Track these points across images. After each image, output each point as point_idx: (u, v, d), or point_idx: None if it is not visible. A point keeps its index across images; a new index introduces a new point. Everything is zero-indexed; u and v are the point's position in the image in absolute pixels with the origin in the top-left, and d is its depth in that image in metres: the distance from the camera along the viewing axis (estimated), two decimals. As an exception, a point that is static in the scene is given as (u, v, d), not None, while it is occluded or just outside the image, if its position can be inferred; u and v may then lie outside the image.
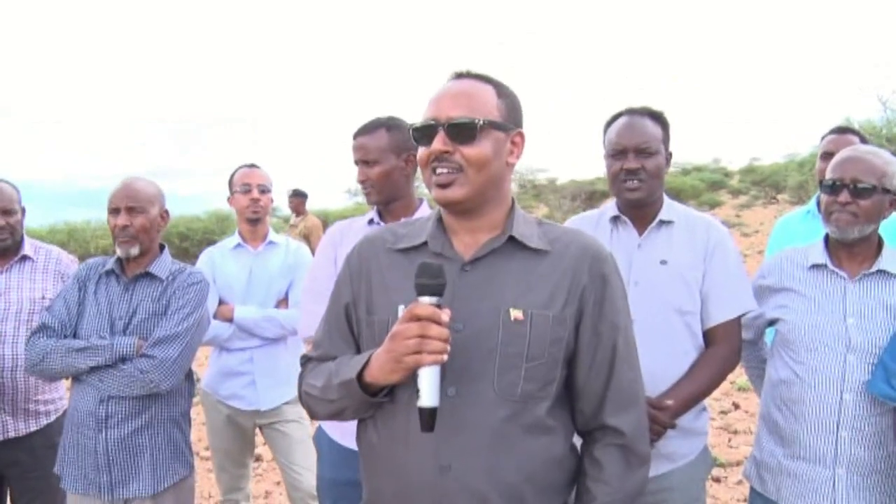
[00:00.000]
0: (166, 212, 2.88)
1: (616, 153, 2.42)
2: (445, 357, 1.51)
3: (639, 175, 2.38)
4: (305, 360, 1.86)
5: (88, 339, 2.68)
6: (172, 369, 2.68)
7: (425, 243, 1.73)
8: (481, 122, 1.63)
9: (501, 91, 1.71)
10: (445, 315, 1.51)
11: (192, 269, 2.92)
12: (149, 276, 2.81)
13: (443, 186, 1.65)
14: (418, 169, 2.74)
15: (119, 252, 2.78)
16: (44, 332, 2.72)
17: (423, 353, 1.49)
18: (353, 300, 1.78)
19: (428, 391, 1.52)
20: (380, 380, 1.59)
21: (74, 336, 2.73)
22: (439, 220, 1.76)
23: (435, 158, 1.65)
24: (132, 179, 2.85)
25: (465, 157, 1.63)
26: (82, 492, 2.72)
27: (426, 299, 1.52)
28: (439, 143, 1.63)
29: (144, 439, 2.71)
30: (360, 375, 1.63)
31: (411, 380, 1.56)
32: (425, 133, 1.66)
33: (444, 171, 1.64)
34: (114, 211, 2.78)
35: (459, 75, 1.72)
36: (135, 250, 2.77)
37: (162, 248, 2.88)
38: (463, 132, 1.63)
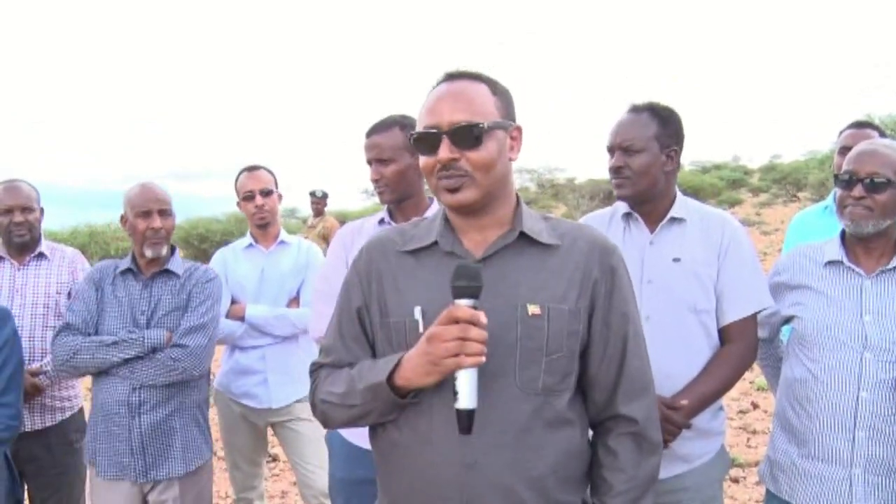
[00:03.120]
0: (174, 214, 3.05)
1: (607, 150, 2.43)
2: (483, 359, 1.52)
3: (622, 173, 2.38)
4: (317, 368, 1.83)
5: (117, 335, 2.85)
6: (203, 357, 2.91)
7: (435, 243, 1.72)
8: (486, 126, 1.62)
9: (496, 88, 1.69)
10: (483, 317, 1.51)
11: (206, 266, 3.13)
12: (167, 273, 2.99)
13: (452, 191, 1.64)
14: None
15: (150, 253, 2.93)
16: (68, 330, 2.88)
17: (463, 355, 1.50)
18: (364, 303, 1.77)
19: (466, 393, 1.52)
20: (414, 382, 1.59)
21: (96, 333, 2.89)
22: (446, 218, 1.74)
23: (441, 167, 1.63)
24: (152, 183, 3.02)
25: (472, 163, 1.62)
26: (116, 477, 2.88)
27: (464, 301, 1.52)
28: (445, 151, 1.62)
29: (175, 423, 2.91)
30: (389, 378, 1.62)
31: (446, 381, 1.56)
32: (427, 141, 1.64)
33: (452, 177, 1.63)
34: (145, 214, 2.93)
35: (451, 76, 1.70)
36: (165, 250, 2.96)
37: (172, 247, 3.04)
38: (467, 137, 1.61)
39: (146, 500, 2.95)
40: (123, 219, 3.00)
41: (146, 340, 2.83)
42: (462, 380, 1.52)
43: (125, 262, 3.00)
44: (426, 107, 1.68)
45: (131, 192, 2.99)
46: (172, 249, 3.05)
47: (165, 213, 2.95)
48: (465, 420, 1.53)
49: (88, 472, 2.97)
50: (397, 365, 1.61)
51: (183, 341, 2.87)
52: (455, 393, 1.52)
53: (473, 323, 1.50)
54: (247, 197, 3.66)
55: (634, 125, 2.38)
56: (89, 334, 2.88)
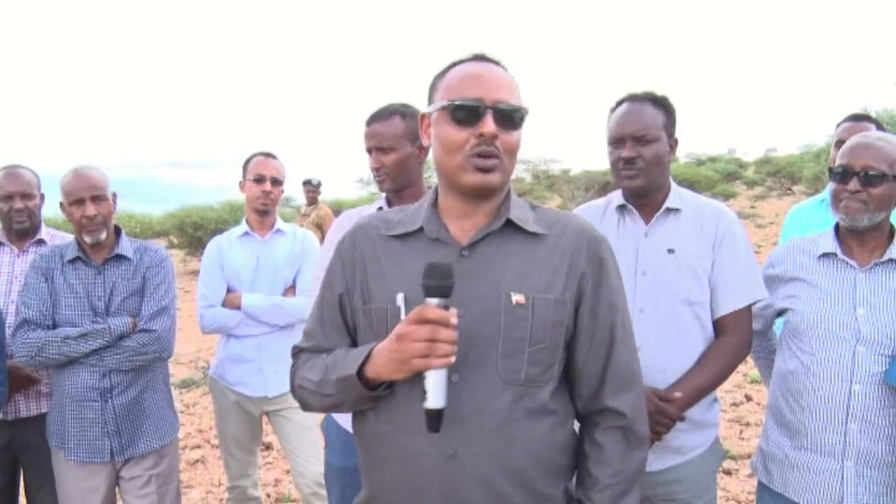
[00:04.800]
0: (115, 195, 3.03)
1: (615, 141, 2.39)
2: (453, 359, 1.50)
3: (636, 164, 2.35)
4: (297, 351, 1.83)
5: (82, 325, 2.86)
6: (169, 338, 2.98)
7: (421, 229, 1.70)
8: (526, 112, 1.64)
9: (518, 82, 1.70)
10: (454, 317, 1.49)
11: (156, 246, 3.16)
12: (118, 257, 2.99)
13: (484, 171, 1.61)
14: (428, 157, 2.72)
15: (89, 240, 2.93)
16: (28, 325, 2.86)
17: (432, 356, 1.48)
18: (346, 289, 1.75)
19: (434, 393, 1.51)
20: (383, 376, 1.58)
21: (54, 324, 2.89)
22: (433, 205, 1.73)
23: (483, 142, 1.59)
24: (85, 169, 2.97)
25: (506, 145, 1.61)
26: (87, 460, 2.91)
27: (433, 300, 1.49)
28: (491, 125, 1.59)
29: (146, 401, 3.01)
30: (360, 370, 1.61)
31: (414, 376, 1.55)
32: (468, 113, 1.60)
33: (487, 156, 1.60)
34: (77, 202, 2.91)
35: (486, 59, 1.67)
36: (103, 236, 2.95)
37: (117, 229, 3.06)
38: (509, 119, 1.61)
39: (118, 476, 3.01)
40: (62, 206, 2.99)
41: (112, 329, 2.85)
42: (431, 380, 1.51)
43: (72, 251, 2.98)
44: (463, 79, 1.63)
45: (64, 179, 2.96)
46: (118, 232, 3.05)
47: (99, 198, 2.92)
48: (434, 419, 1.52)
49: (54, 457, 3.00)
50: (368, 356, 1.60)
51: (149, 326, 2.92)
52: (423, 392, 1.51)
53: (443, 324, 1.48)
54: (258, 179, 3.64)
55: (646, 115, 2.36)
56: (48, 326, 2.88)
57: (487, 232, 1.66)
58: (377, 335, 1.65)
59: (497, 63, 1.68)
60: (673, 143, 2.41)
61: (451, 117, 1.61)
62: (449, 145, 1.63)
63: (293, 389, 1.81)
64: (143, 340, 2.89)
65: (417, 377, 1.56)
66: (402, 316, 1.59)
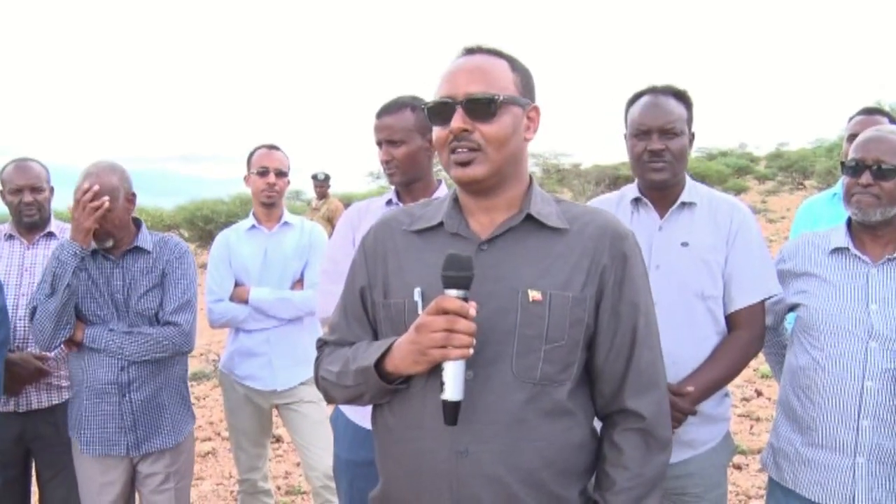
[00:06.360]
0: (134, 195, 3.00)
1: (640, 133, 2.37)
2: (471, 351, 1.50)
3: (663, 157, 2.33)
4: (322, 344, 1.85)
5: (106, 318, 2.90)
6: (192, 332, 3.01)
7: (441, 224, 1.70)
8: (500, 98, 1.59)
9: (515, 65, 1.67)
10: (472, 309, 1.49)
11: (176, 238, 3.16)
12: (137, 249, 2.99)
13: (463, 165, 1.60)
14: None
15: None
16: (32, 314, 2.85)
17: (450, 347, 1.48)
18: (368, 284, 1.75)
19: (452, 384, 1.50)
20: (402, 369, 1.58)
21: (78, 318, 2.88)
22: (455, 199, 1.72)
23: (454, 138, 1.60)
24: (101, 166, 2.94)
25: (485, 135, 1.59)
26: (103, 453, 2.95)
27: (453, 292, 1.50)
28: (458, 121, 1.58)
29: (163, 398, 3.00)
30: (379, 363, 1.61)
31: (432, 370, 1.55)
32: (441, 112, 1.61)
33: (464, 149, 1.60)
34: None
35: (471, 50, 1.67)
36: (110, 243, 2.94)
37: (138, 222, 3.04)
38: (482, 109, 1.58)
39: (136, 469, 3.02)
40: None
41: (52, 265, 2.79)
42: (449, 371, 1.50)
43: (92, 242, 2.94)
44: (442, 78, 1.65)
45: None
46: (139, 225, 3.03)
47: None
48: (451, 411, 1.51)
49: (73, 448, 3.02)
50: (388, 350, 1.60)
51: (174, 319, 2.93)
52: (442, 384, 1.51)
53: (462, 315, 1.48)
54: (261, 172, 3.64)
55: (673, 108, 2.36)
56: None
57: (507, 227, 1.65)
58: (396, 330, 1.65)
59: (487, 51, 1.66)
60: (691, 138, 2.41)
61: (429, 118, 1.65)
62: (436, 144, 1.66)
63: (316, 381, 1.82)
64: (167, 333, 2.90)
65: (433, 373, 1.56)
66: (420, 310, 1.59)
